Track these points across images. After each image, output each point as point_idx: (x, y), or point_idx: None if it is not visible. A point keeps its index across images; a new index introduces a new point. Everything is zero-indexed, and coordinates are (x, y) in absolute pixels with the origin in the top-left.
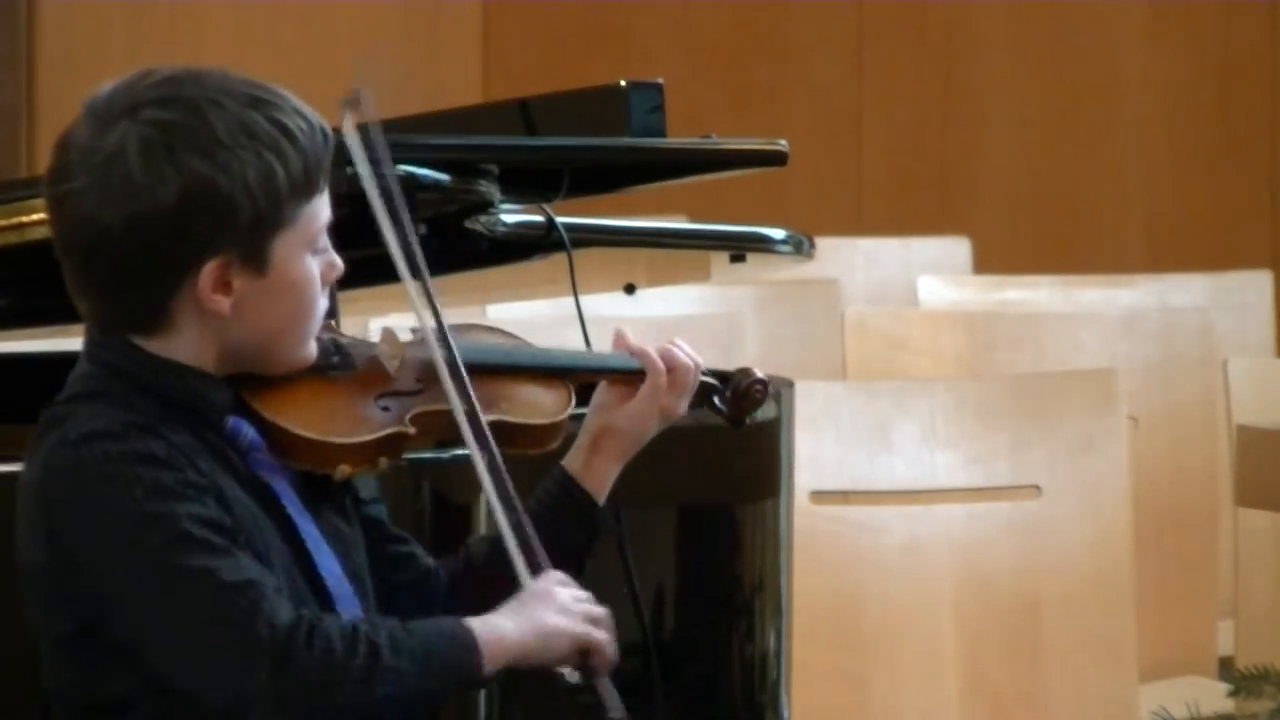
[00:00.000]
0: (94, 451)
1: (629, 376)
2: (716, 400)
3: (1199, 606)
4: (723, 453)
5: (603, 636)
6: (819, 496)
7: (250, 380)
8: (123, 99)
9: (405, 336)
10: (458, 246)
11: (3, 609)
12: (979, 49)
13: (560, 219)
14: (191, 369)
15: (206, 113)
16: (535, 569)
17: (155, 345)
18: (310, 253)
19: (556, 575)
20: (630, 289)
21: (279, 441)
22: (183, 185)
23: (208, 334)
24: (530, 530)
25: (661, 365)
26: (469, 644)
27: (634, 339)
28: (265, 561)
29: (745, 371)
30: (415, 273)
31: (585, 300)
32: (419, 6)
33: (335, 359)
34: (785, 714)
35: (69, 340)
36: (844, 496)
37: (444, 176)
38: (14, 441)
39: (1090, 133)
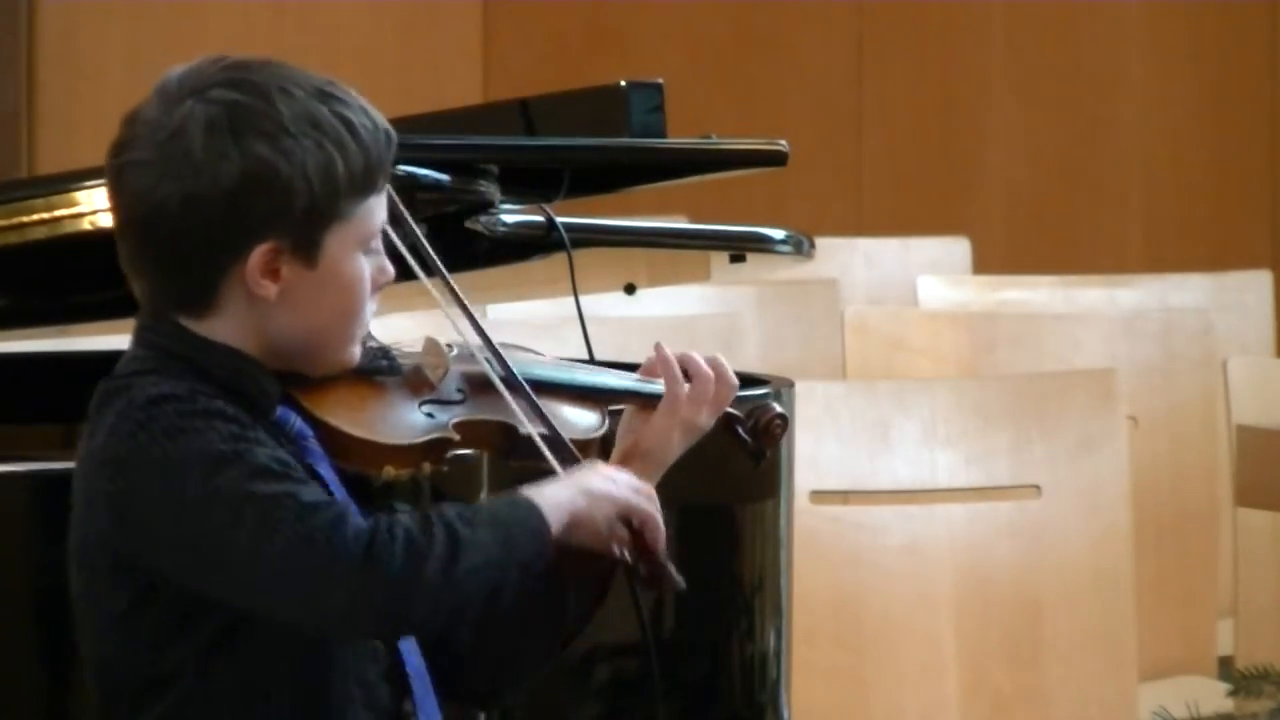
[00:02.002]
0: (165, 410)
1: (651, 400)
2: (740, 430)
3: (1199, 606)
4: (723, 453)
5: (649, 508)
6: (819, 496)
7: (296, 379)
8: (192, 80)
9: (443, 339)
10: (458, 246)
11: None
12: (979, 49)
13: (560, 219)
14: (241, 353)
15: (274, 98)
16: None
17: (203, 328)
18: (362, 251)
19: (595, 460)
20: (630, 289)
21: (326, 440)
22: (243, 166)
23: (253, 320)
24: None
25: (680, 375)
26: (527, 504)
27: (668, 352)
28: None
29: (766, 406)
30: (468, 313)
31: (585, 300)
32: (419, 6)
33: (383, 362)
34: (785, 714)
35: (69, 340)
36: (844, 496)
37: (444, 176)
38: (14, 442)
39: (1090, 133)
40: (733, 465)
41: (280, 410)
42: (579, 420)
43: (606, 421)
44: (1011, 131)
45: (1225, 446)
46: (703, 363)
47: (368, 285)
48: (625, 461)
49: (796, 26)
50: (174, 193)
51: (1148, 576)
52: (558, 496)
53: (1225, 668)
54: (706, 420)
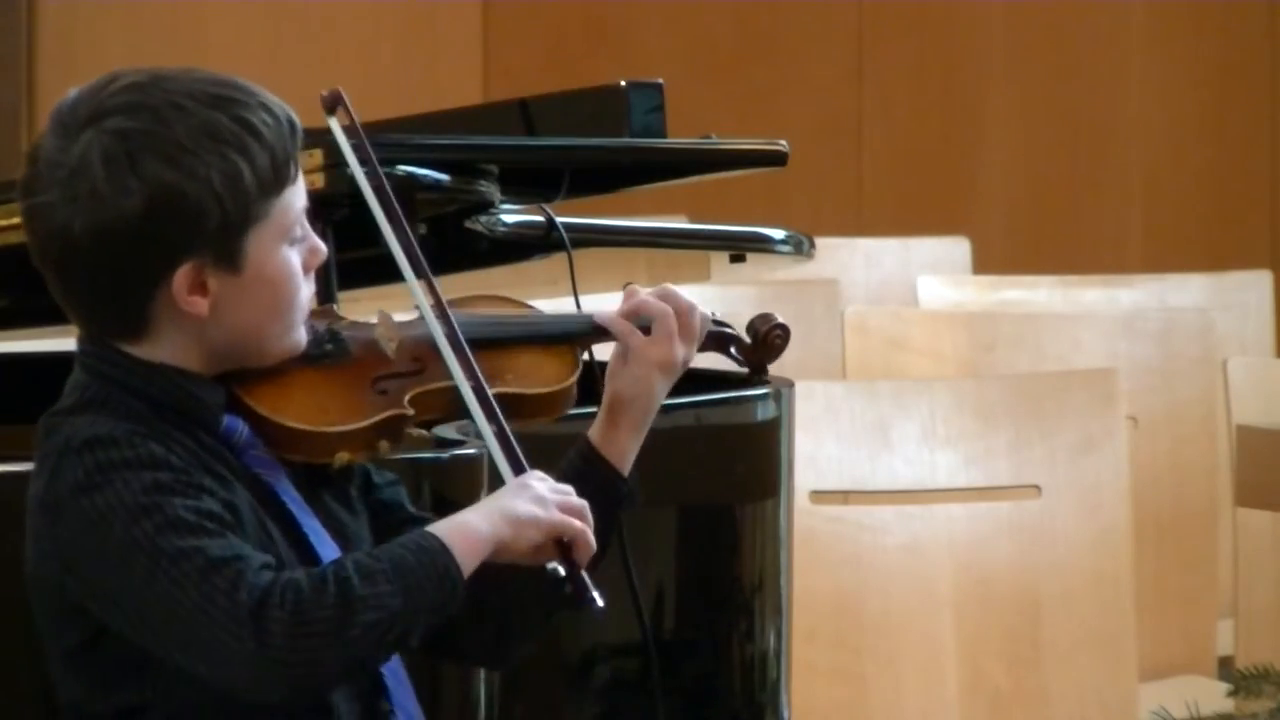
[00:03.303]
0: (96, 458)
1: (601, 334)
2: (733, 349)
3: (1199, 606)
4: (723, 453)
5: (579, 526)
6: (819, 496)
7: (242, 375)
8: (86, 107)
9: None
10: (458, 246)
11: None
12: (979, 49)
13: (560, 219)
14: (180, 370)
15: (168, 118)
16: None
17: (142, 350)
18: (287, 243)
19: (536, 472)
20: None
21: (273, 435)
22: (148, 194)
23: (190, 335)
24: (515, 442)
25: (629, 327)
26: (437, 547)
27: (632, 303)
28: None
29: (764, 317)
30: (415, 262)
31: (585, 300)
32: (419, 6)
33: (329, 347)
34: (785, 714)
35: (69, 340)
36: (844, 496)
37: (444, 176)
38: (14, 442)
39: (1090, 133)
40: (733, 465)
41: (228, 419)
42: (542, 371)
43: (579, 368)
44: (1011, 131)
45: (1225, 446)
46: (653, 302)
47: (299, 274)
48: (610, 410)
49: (796, 26)
50: (85, 229)
51: (1148, 576)
52: (478, 530)
53: (1225, 668)
54: (685, 354)
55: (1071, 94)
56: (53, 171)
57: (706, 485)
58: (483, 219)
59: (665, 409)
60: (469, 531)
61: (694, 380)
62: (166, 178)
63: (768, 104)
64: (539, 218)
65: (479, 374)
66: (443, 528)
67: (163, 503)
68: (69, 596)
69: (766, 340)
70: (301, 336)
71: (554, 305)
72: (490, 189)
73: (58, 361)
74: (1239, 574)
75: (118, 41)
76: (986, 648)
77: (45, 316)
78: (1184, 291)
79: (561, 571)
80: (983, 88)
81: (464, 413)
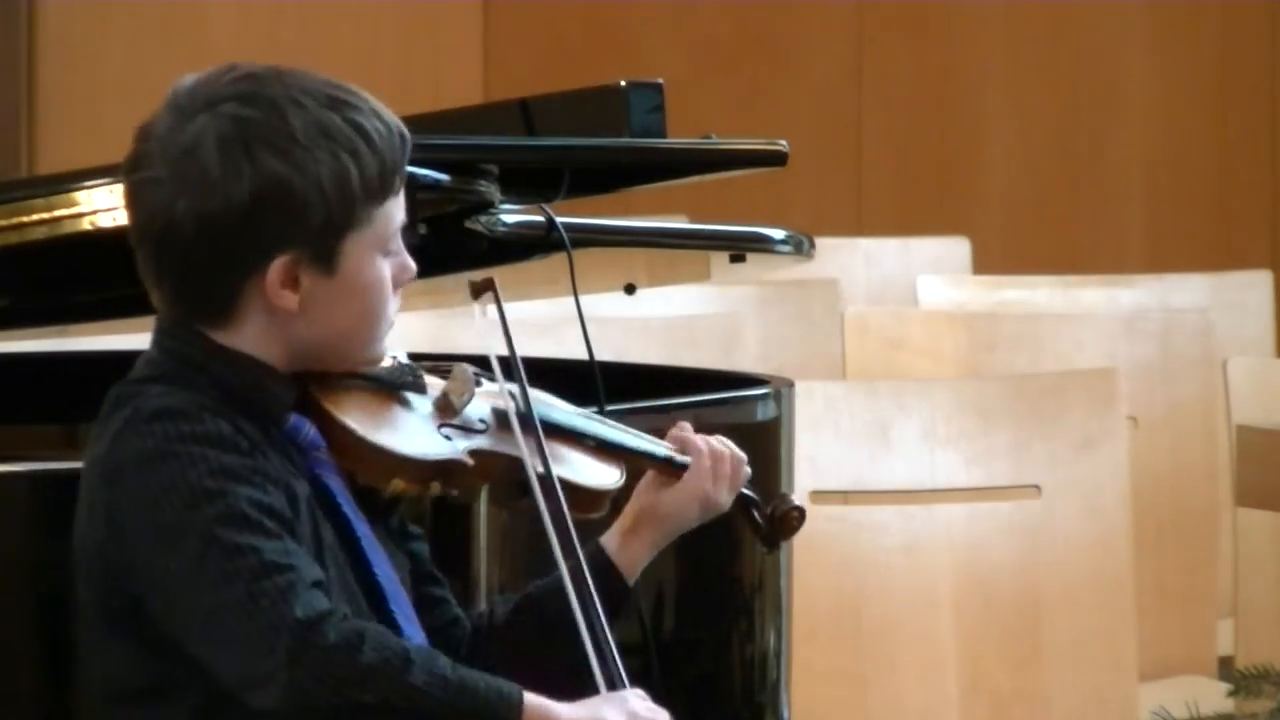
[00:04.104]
0: (165, 428)
1: (677, 469)
2: (755, 514)
3: (1199, 606)
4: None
5: None
6: (819, 496)
7: (320, 378)
8: (204, 92)
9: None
10: (458, 246)
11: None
12: (979, 49)
13: (560, 219)
14: (257, 361)
15: (285, 111)
16: (611, 677)
17: (223, 337)
18: (382, 254)
19: (638, 691)
20: (630, 289)
21: (341, 443)
22: (257, 183)
23: (274, 329)
24: (604, 628)
25: (704, 449)
26: (513, 701)
27: (691, 434)
28: (323, 557)
29: (784, 498)
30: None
31: (585, 300)
32: (419, 6)
33: (409, 378)
34: (785, 714)
35: (69, 340)
36: (844, 496)
37: (444, 176)
38: (14, 442)
39: (1090, 133)
40: None
41: (294, 419)
42: (596, 472)
43: (623, 477)
44: (1011, 131)
45: (1225, 446)
46: (726, 448)
47: (389, 286)
48: (637, 522)
49: (796, 26)
50: (189, 210)
51: (1148, 576)
52: (556, 713)
53: (1225, 668)
54: (726, 499)
55: (1071, 94)
56: (165, 150)
57: None
58: (483, 219)
59: (666, 409)
60: (550, 712)
61: (694, 380)
62: (277, 169)
63: (768, 104)
64: (539, 218)
65: (546, 453)
66: (531, 698)
67: (227, 490)
68: (110, 561)
69: (785, 519)
70: (383, 349)
71: (554, 305)
72: (490, 189)
73: (57, 361)
74: (1239, 574)
75: (118, 41)
76: (986, 648)
77: (45, 316)
78: (1184, 291)
79: None
80: (983, 88)
81: (521, 485)
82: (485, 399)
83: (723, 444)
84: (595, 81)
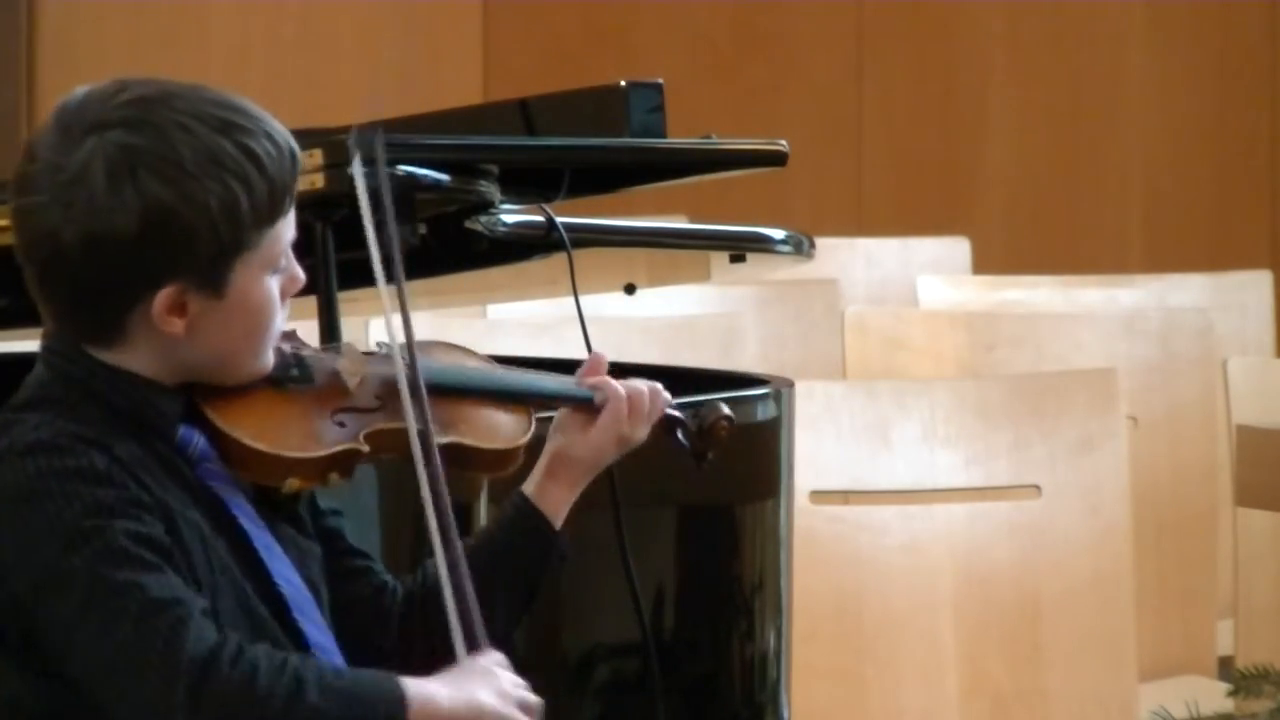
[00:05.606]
0: (38, 464)
1: (587, 406)
2: (680, 434)
3: (1199, 606)
4: (723, 453)
5: None
6: (819, 496)
7: (206, 388)
8: (93, 113)
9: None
10: (458, 246)
11: None
12: (979, 49)
13: (560, 219)
14: (142, 378)
15: (173, 138)
16: (473, 641)
17: (110, 356)
18: (271, 273)
19: (497, 656)
20: (630, 289)
21: (229, 451)
22: (144, 212)
23: (161, 350)
24: (470, 590)
25: (622, 393)
26: (396, 698)
27: (606, 378)
28: (213, 577)
29: (713, 407)
30: (391, 281)
31: (585, 300)
32: (419, 6)
33: (295, 372)
34: (785, 714)
35: None
36: (844, 496)
37: (444, 176)
38: None
39: (1090, 133)
40: (733, 465)
41: (183, 430)
42: (501, 427)
43: (532, 428)
44: (1011, 131)
45: (1225, 446)
46: (639, 383)
47: (277, 302)
48: (553, 465)
49: (796, 26)
50: (75, 237)
51: (1148, 576)
52: (437, 704)
53: (1225, 668)
54: (642, 433)
55: (1071, 94)
56: (51, 174)
57: (706, 485)
58: (483, 219)
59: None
60: (431, 702)
61: (694, 380)
62: (165, 198)
63: (768, 104)
64: (539, 218)
65: (429, 419)
66: (411, 687)
67: (104, 526)
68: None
69: (712, 429)
70: (269, 360)
71: (554, 305)
72: (490, 189)
73: None
74: (1239, 574)
75: (118, 41)
76: (986, 648)
77: None
78: (1184, 291)
79: None
80: (983, 88)
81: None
82: (379, 369)
83: (641, 382)
84: (595, 81)
